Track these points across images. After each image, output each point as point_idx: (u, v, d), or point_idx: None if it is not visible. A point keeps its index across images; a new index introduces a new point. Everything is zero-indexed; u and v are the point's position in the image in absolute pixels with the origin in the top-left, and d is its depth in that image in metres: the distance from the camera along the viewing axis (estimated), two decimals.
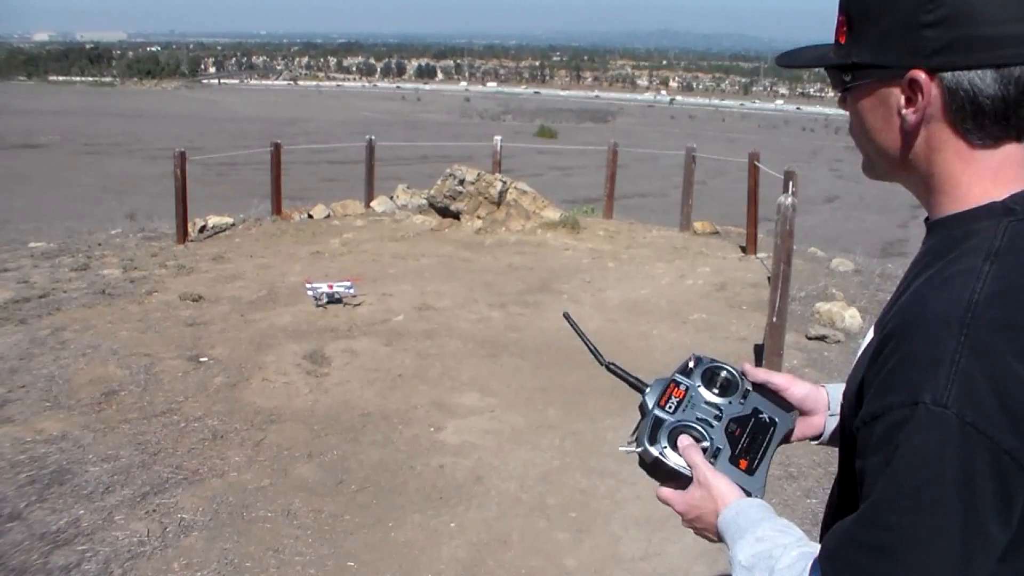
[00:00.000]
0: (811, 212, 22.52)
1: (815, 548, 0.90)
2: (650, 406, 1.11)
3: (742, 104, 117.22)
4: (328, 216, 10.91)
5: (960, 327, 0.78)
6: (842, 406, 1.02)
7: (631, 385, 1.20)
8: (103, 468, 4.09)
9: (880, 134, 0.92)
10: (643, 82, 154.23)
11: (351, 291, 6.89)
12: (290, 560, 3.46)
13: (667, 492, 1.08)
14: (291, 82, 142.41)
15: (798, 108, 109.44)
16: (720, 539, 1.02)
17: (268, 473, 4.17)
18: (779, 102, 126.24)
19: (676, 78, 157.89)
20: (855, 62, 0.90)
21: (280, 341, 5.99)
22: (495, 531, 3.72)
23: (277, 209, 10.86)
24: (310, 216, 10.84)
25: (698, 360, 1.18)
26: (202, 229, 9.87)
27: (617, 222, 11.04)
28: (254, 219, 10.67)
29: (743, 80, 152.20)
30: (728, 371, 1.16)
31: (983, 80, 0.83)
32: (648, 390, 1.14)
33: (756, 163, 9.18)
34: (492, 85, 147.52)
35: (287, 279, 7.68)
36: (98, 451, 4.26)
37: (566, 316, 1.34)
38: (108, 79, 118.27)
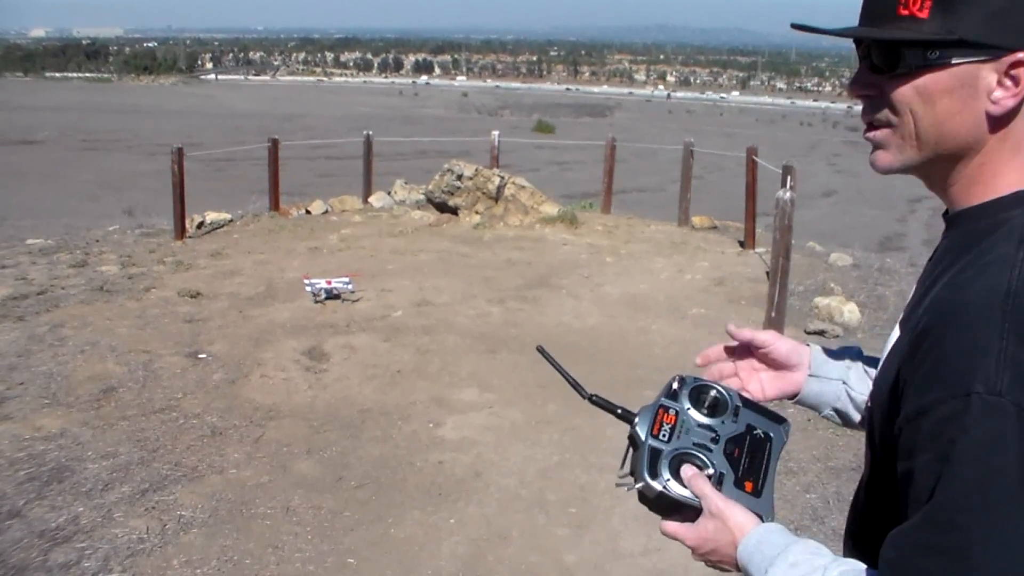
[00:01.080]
0: (809, 206, 22.50)
1: (853, 565, 0.87)
2: (643, 437, 1.05)
3: (718, 96, 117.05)
4: (326, 212, 10.90)
5: (1002, 314, 0.76)
6: (869, 408, 1.00)
7: (618, 416, 1.12)
8: (102, 465, 4.08)
9: (953, 117, 0.87)
10: (640, 77, 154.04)
11: (349, 287, 6.88)
12: (290, 557, 3.46)
13: (674, 527, 1.03)
14: (321, 79, 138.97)
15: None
16: (739, 570, 0.97)
17: (267, 470, 4.17)
18: (735, 93, 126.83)
19: (673, 72, 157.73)
20: (961, 38, 0.84)
21: (279, 337, 5.98)
22: (495, 527, 3.72)
23: (275, 205, 10.84)
24: (308, 212, 10.83)
25: (682, 381, 1.12)
26: (200, 225, 9.85)
27: (615, 217, 11.03)
28: (252, 215, 10.66)
29: (740, 74, 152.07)
30: (716, 389, 1.11)
31: None
32: (637, 420, 1.07)
33: (754, 158, 9.18)
34: (519, 84, 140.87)
35: (285, 275, 7.67)
36: (97, 448, 4.26)
37: (540, 349, 1.27)
38: (105, 75, 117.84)
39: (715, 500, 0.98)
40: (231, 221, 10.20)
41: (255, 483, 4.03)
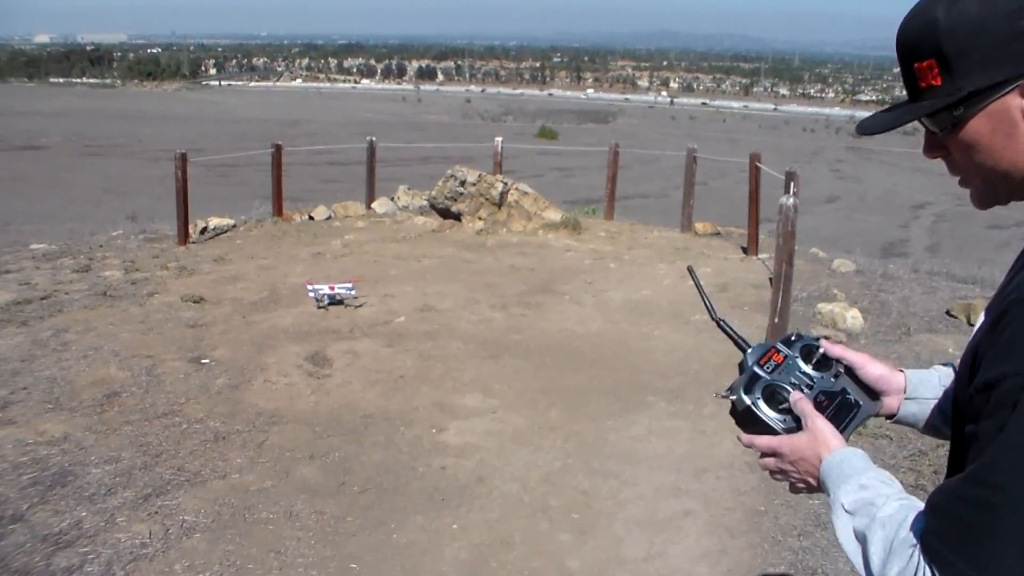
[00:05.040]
0: (812, 212, 22.53)
1: (915, 502, 0.95)
2: (750, 363, 1.22)
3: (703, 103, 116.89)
4: (329, 217, 10.91)
5: None
6: (957, 379, 1.06)
7: (735, 343, 1.30)
8: (105, 470, 4.09)
9: (1006, 151, 0.93)
10: (644, 83, 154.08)
11: (352, 292, 6.89)
12: (292, 562, 3.45)
13: (760, 439, 1.15)
14: (319, 87, 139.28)
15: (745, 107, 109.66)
16: (818, 485, 1.08)
17: (270, 475, 4.17)
18: (702, 100, 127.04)
19: (676, 79, 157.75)
20: (971, 91, 0.91)
21: (282, 342, 5.99)
22: (497, 532, 3.72)
23: (278, 210, 10.86)
24: (311, 217, 10.84)
25: (799, 336, 1.27)
26: (203, 230, 9.87)
27: (618, 223, 11.04)
28: (255, 220, 10.67)
29: (743, 81, 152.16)
30: (826, 352, 1.24)
31: None
32: (750, 351, 1.24)
33: (757, 164, 9.18)
34: (551, 91, 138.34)
35: (288, 280, 7.68)
36: (100, 453, 4.26)
37: (689, 269, 1.49)
38: (109, 81, 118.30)
39: (816, 419, 1.10)
40: (234, 226, 10.22)
41: (258, 488, 4.03)
